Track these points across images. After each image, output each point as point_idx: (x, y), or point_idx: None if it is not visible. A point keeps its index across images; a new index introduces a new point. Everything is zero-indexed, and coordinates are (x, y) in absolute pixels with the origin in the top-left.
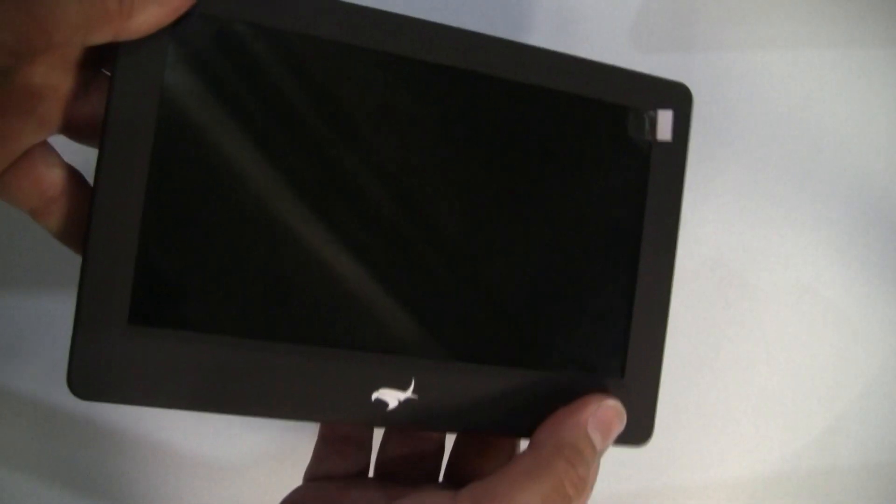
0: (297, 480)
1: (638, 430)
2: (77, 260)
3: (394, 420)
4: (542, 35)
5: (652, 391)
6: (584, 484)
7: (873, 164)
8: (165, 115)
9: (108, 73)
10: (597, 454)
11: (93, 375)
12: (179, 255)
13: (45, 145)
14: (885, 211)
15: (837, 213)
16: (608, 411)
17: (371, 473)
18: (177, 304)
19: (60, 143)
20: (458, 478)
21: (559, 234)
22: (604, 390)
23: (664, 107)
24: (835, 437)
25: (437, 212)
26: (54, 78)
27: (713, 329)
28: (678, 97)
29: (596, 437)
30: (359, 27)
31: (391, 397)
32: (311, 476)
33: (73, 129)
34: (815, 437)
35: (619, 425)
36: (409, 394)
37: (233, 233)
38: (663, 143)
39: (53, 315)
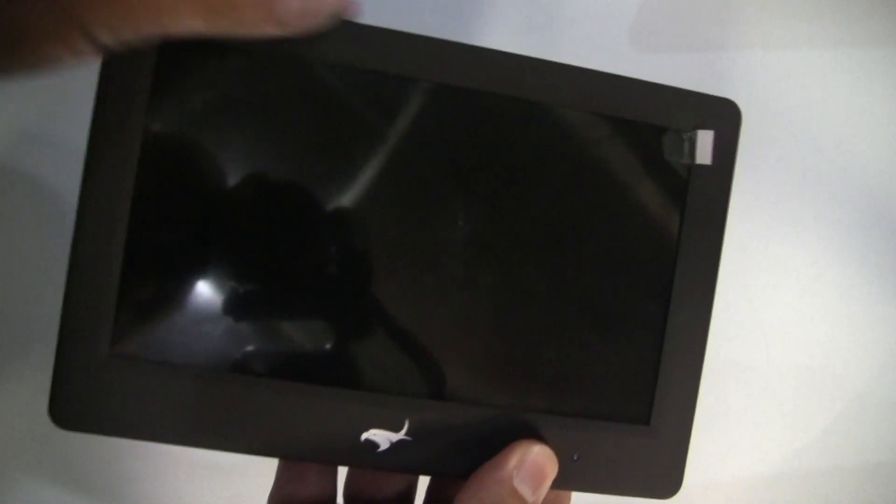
0: None
1: (664, 482)
2: None
3: (384, 462)
4: (542, 35)
5: (682, 441)
6: None
7: (873, 164)
8: (150, 142)
9: None
10: None
11: (74, 405)
12: (163, 288)
13: None
14: (885, 211)
15: (837, 213)
16: (536, 458)
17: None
18: (160, 337)
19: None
20: None
21: (582, 267)
22: (535, 435)
23: (706, 126)
24: (835, 437)
25: (445, 242)
26: None
27: (713, 329)
28: (724, 116)
29: (525, 490)
30: (352, 47)
31: (382, 439)
32: (277, 501)
33: None
34: (815, 437)
35: (552, 470)
36: (401, 435)
37: (218, 267)
38: (703, 167)
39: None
